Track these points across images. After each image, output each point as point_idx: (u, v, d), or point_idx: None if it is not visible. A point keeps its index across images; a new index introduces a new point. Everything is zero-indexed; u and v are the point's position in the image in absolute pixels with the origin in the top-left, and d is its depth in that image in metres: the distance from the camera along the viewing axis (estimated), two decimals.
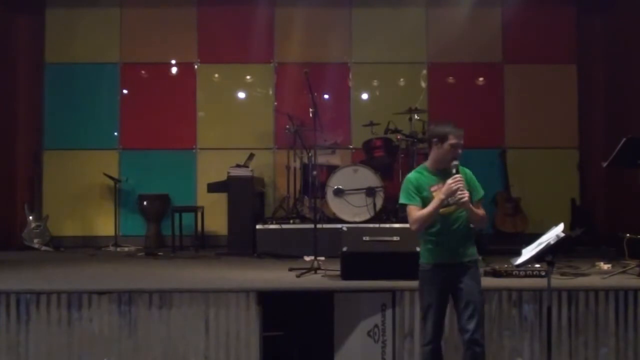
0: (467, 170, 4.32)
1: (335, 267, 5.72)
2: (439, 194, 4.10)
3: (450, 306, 4.33)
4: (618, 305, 5.13)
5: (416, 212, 4.17)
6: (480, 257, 4.69)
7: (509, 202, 8.74)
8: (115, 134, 9.23)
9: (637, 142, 5.70)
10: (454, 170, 4.12)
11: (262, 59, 9.23)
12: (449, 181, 4.07)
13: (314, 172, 7.71)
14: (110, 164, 9.05)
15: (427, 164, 4.32)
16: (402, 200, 4.27)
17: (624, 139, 5.70)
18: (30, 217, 8.52)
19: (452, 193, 4.06)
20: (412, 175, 4.32)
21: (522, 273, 5.45)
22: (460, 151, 4.19)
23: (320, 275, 5.84)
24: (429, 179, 4.24)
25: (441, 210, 4.12)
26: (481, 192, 4.33)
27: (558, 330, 5.08)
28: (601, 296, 5.14)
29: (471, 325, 4.15)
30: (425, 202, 4.17)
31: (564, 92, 9.23)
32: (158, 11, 9.27)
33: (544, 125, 9.13)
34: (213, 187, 8.22)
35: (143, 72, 9.38)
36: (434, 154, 4.27)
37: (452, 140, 4.17)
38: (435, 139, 4.23)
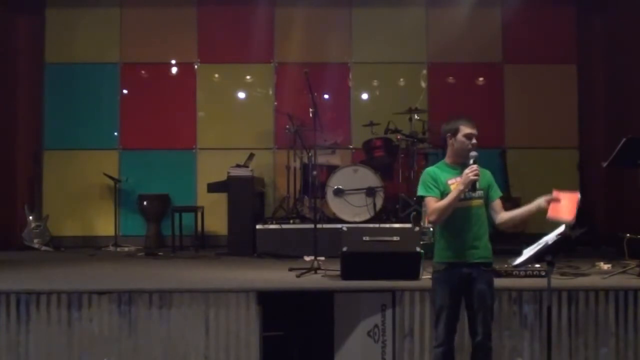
0: (487, 171, 4.35)
1: (335, 267, 5.71)
2: (457, 185, 4.10)
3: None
4: (618, 305, 5.12)
5: (434, 203, 4.16)
6: None
7: (509, 202, 8.65)
8: (115, 134, 9.24)
9: (637, 142, 5.69)
10: (471, 161, 4.12)
11: (262, 59, 9.22)
12: (466, 171, 4.07)
13: (314, 172, 7.70)
14: (110, 164, 9.04)
15: (446, 159, 4.32)
16: (420, 192, 4.26)
17: (624, 139, 5.69)
18: (30, 217, 8.51)
19: (470, 183, 4.06)
20: (430, 168, 4.34)
21: (522, 273, 5.45)
22: (475, 141, 4.20)
23: (320, 275, 5.83)
24: (448, 173, 4.24)
25: (460, 202, 4.11)
26: (499, 193, 4.35)
27: (558, 330, 5.07)
28: (601, 296, 5.14)
29: (481, 330, 4.15)
30: (443, 196, 4.16)
31: (564, 92, 9.23)
32: (158, 11, 9.27)
33: (544, 125, 9.12)
34: (213, 187, 8.21)
35: (143, 72, 9.38)
36: (450, 149, 4.28)
37: (464, 131, 4.20)
38: (448, 134, 4.25)
